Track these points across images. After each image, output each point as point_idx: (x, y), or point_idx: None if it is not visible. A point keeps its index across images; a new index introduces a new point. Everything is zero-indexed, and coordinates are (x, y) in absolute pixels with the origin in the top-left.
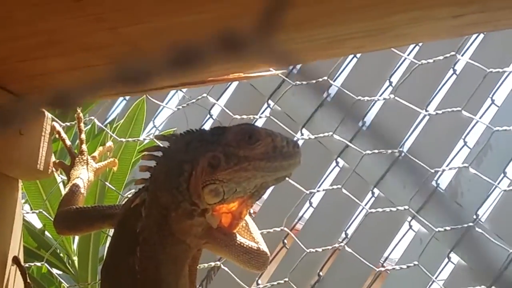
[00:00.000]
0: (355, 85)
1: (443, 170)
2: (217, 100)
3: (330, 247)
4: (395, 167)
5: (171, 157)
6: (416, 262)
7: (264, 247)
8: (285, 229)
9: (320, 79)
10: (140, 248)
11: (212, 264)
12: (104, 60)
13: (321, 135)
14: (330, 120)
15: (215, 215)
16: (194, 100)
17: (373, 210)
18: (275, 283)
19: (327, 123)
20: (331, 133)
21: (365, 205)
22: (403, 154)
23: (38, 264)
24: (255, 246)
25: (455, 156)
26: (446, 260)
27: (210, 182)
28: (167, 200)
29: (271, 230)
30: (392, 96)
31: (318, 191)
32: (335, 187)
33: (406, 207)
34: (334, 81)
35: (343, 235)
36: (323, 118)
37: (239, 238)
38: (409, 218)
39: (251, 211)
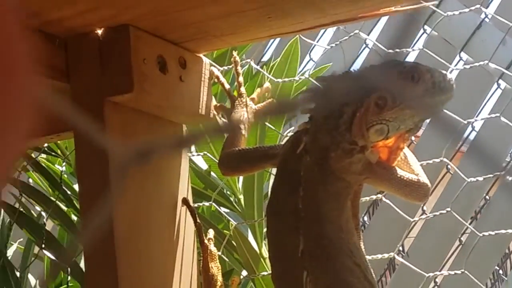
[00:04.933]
0: None
1: None
2: (370, 31)
3: (492, 176)
4: None
5: (330, 99)
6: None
7: (424, 178)
8: (445, 160)
9: None
10: (303, 188)
11: (374, 197)
12: (257, 4)
13: (476, 64)
14: (490, 42)
15: (373, 151)
16: (346, 38)
17: None
18: (438, 213)
19: (487, 45)
20: (486, 61)
21: None
22: None
23: (206, 204)
24: (415, 178)
25: None
26: None
27: (377, 122)
28: (326, 141)
29: (431, 162)
30: None
31: (476, 120)
32: (493, 115)
33: None
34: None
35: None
36: (482, 40)
37: (399, 171)
38: None
39: (412, 138)
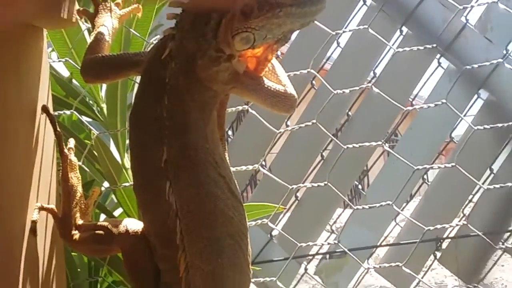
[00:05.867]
0: None
1: (472, 6)
2: None
3: (357, 88)
4: (424, 3)
5: (197, 4)
6: (444, 100)
7: (291, 89)
8: (312, 71)
9: None
10: (168, 96)
11: (240, 108)
12: None
13: None
14: None
15: (241, 61)
16: None
17: (400, 50)
18: (303, 125)
19: None
20: None
21: (394, 43)
22: None
23: (67, 112)
24: (282, 89)
25: None
26: (476, 96)
27: (242, 30)
28: (193, 48)
29: (298, 73)
30: None
31: (344, 31)
32: (361, 27)
33: (434, 45)
34: None
35: (371, 74)
36: None
37: (266, 82)
38: (438, 55)
39: (278, 53)
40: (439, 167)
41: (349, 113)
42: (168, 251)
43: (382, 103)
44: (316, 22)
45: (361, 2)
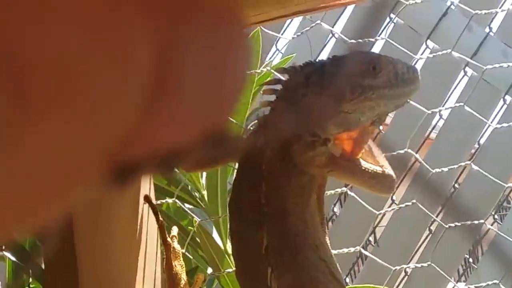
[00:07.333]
0: None
1: None
2: (336, 20)
3: (456, 166)
4: None
5: (291, 91)
6: None
7: (389, 170)
8: (409, 151)
9: None
10: (265, 182)
11: (339, 190)
12: None
13: (439, 53)
14: (455, 29)
15: (337, 144)
16: (308, 28)
17: (498, 126)
18: (403, 205)
19: (453, 32)
20: (449, 50)
21: (495, 116)
22: None
23: (170, 200)
24: (380, 170)
25: None
26: None
27: (335, 114)
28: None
29: (395, 153)
30: None
31: (440, 110)
32: (457, 105)
33: None
34: None
35: (476, 145)
36: (448, 27)
37: (364, 164)
38: None
39: (380, 127)
40: None
41: (456, 185)
42: None
43: (489, 173)
44: (412, 102)
45: (462, 73)
